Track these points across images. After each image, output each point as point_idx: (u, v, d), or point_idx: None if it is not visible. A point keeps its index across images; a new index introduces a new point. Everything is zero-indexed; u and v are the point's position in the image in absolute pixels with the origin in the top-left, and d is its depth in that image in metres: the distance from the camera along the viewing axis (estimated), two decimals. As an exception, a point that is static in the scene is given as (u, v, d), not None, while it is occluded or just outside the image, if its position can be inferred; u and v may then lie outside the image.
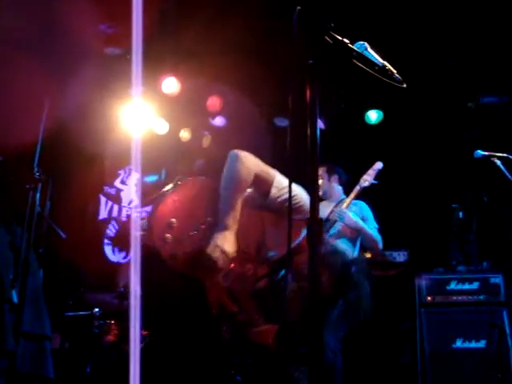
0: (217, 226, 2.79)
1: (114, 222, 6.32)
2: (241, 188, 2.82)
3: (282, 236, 2.72)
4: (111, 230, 6.45)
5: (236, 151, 2.86)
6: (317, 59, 1.84)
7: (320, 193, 4.53)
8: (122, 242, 5.56)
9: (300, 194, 2.81)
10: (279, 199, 2.81)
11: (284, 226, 2.62)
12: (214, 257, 2.73)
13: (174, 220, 2.81)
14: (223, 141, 6.12)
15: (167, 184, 3.05)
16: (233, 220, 2.78)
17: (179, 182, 2.99)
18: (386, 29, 4.82)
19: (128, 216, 6.29)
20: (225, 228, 2.77)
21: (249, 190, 2.91)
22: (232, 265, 2.85)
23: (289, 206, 2.20)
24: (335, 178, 4.58)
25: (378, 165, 4.40)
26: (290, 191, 2.09)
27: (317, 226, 1.66)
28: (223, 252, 2.75)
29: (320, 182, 4.52)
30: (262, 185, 2.86)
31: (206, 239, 2.77)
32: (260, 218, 2.92)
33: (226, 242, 2.76)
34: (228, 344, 2.96)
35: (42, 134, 3.38)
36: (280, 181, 2.84)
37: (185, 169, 6.38)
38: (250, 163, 2.82)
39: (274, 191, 2.83)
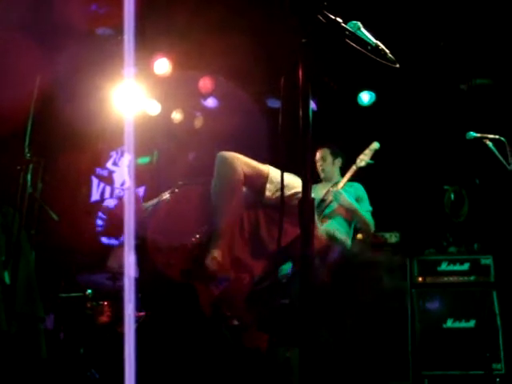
0: (211, 234, 2.72)
1: (100, 213, 6.29)
2: (233, 192, 2.74)
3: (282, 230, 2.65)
4: (101, 218, 6.43)
5: (223, 153, 2.79)
6: (309, 38, 1.82)
7: (322, 175, 4.57)
8: (111, 230, 5.55)
9: (299, 185, 2.74)
10: (277, 194, 2.73)
11: (285, 221, 2.60)
12: (210, 266, 2.67)
13: (169, 229, 2.77)
14: (215, 122, 6.10)
15: (164, 192, 2.98)
16: (227, 227, 2.71)
17: (176, 190, 2.92)
18: (380, 8, 4.79)
19: (117, 200, 6.26)
20: (219, 236, 2.70)
21: (242, 190, 2.82)
22: (227, 273, 2.79)
23: (281, 194, 2.16)
24: (339, 160, 4.62)
25: (375, 145, 4.40)
26: (282, 178, 2.06)
27: (308, 207, 1.66)
28: (218, 261, 2.68)
29: (322, 163, 4.57)
30: (255, 183, 2.79)
31: (202, 248, 2.71)
32: (255, 215, 2.84)
33: (221, 252, 2.68)
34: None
35: (32, 115, 3.35)
36: (275, 176, 2.75)
37: (176, 151, 6.37)
38: (239, 164, 2.74)
39: (269, 187, 2.75)
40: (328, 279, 2.99)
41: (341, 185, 4.25)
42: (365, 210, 4.31)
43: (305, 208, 1.68)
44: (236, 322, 2.89)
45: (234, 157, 2.77)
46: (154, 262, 2.73)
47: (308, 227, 1.66)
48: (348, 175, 4.32)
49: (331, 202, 4.17)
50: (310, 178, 1.78)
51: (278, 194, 2.65)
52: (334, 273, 3.05)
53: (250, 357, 2.96)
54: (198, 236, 2.74)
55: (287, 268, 3.17)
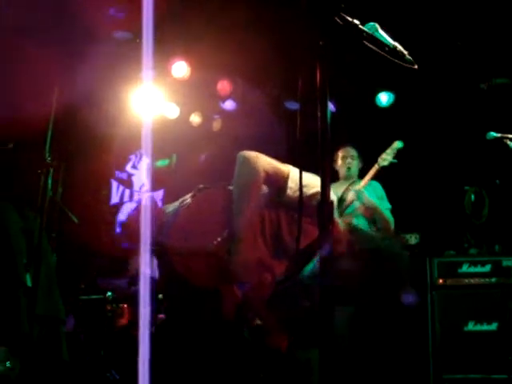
0: (232, 237, 2.70)
1: (120, 218, 6.32)
2: (254, 192, 2.73)
3: (302, 230, 2.55)
4: (120, 224, 6.47)
5: (243, 153, 2.78)
6: (327, 41, 1.82)
7: (346, 173, 4.60)
8: (130, 236, 5.58)
9: (319, 185, 2.70)
10: (298, 193, 2.70)
11: (304, 220, 2.59)
12: (231, 269, 2.66)
13: (190, 233, 2.75)
14: (234, 124, 6.11)
15: (186, 194, 2.98)
16: (248, 228, 2.70)
17: (197, 194, 2.90)
18: (398, 10, 4.77)
19: (136, 204, 6.30)
20: (240, 238, 2.68)
21: (263, 189, 2.82)
22: (249, 275, 2.78)
23: (299, 194, 2.15)
24: (361, 162, 4.71)
25: (398, 144, 4.38)
26: (300, 177, 2.05)
27: (327, 207, 1.66)
28: (239, 264, 2.66)
29: (351, 161, 4.60)
30: (275, 183, 2.77)
31: (223, 252, 2.69)
32: (276, 215, 2.83)
33: (242, 254, 2.66)
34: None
35: (52, 119, 3.38)
36: (296, 175, 2.72)
37: (195, 154, 6.39)
38: (260, 163, 2.73)
39: (290, 185, 2.74)
40: (356, 272, 2.97)
41: (362, 183, 4.24)
42: (385, 207, 4.31)
43: (323, 209, 1.67)
44: (258, 323, 2.89)
45: (255, 156, 2.76)
46: (175, 266, 2.72)
47: (327, 228, 1.66)
48: (370, 174, 4.30)
49: (352, 201, 4.15)
50: (329, 179, 1.77)
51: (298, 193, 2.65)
52: (362, 265, 3.03)
53: (270, 357, 2.96)
54: (219, 239, 2.73)
55: (309, 268, 3.16)
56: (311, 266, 3.05)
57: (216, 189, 2.92)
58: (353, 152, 4.68)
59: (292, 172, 2.76)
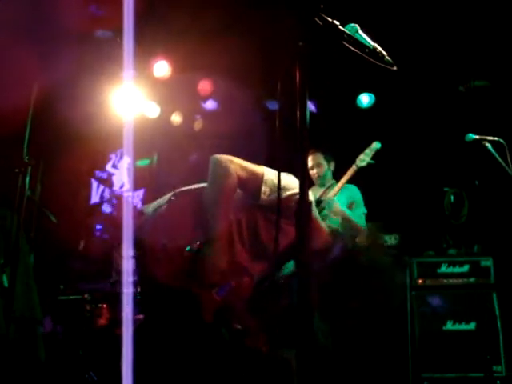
0: (207, 239, 2.67)
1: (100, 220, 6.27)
2: (226, 196, 2.70)
3: (281, 231, 2.52)
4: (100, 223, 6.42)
5: (216, 157, 2.74)
6: (306, 41, 1.82)
7: (317, 181, 4.57)
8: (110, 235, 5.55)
9: (296, 186, 2.69)
10: (272, 196, 2.68)
11: (283, 221, 2.58)
12: (208, 272, 2.64)
13: (167, 238, 2.71)
14: (214, 124, 6.10)
15: (160, 197, 2.94)
16: (221, 231, 2.67)
17: (172, 199, 2.86)
18: (378, 11, 4.79)
19: (114, 204, 6.25)
20: (214, 241, 2.65)
21: (237, 193, 2.78)
22: (227, 278, 2.76)
23: (277, 195, 2.16)
24: (332, 165, 4.65)
25: (376, 144, 4.39)
26: (279, 180, 2.05)
27: (306, 208, 1.66)
28: (216, 267, 2.65)
29: (317, 169, 4.57)
30: (249, 186, 2.74)
31: (200, 255, 2.66)
32: (253, 217, 2.80)
33: (218, 256, 2.64)
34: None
35: (30, 117, 3.35)
36: (270, 178, 2.71)
37: (176, 154, 6.36)
38: (232, 167, 2.69)
39: (264, 189, 2.70)
40: (329, 277, 2.97)
41: (339, 185, 4.24)
42: (359, 213, 4.30)
43: (302, 210, 1.67)
44: (238, 326, 2.88)
45: (227, 160, 2.72)
46: (154, 272, 2.69)
47: (305, 229, 1.66)
48: (347, 176, 4.31)
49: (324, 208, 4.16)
50: (308, 179, 1.78)
51: (274, 195, 2.62)
52: (337, 270, 3.03)
53: (250, 358, 2.95)
54: (197, 243, 2.71)
55: (290, 267, 3.15)
56: (290, 266, 3.05)
57: (191, 192, 2.89)
58: (318, 159, 4.59)
59: (266, 175, 2.73)
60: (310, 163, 4.63)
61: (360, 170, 4.30)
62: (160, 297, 2.74)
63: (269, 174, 2.74)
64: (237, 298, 2.82)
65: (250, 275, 2.85)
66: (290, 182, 2.68)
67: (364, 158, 4.31)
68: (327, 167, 4.60)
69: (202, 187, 2.82)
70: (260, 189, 2.71)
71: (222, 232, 2.67)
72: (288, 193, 2.64)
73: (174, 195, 2.87)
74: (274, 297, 3.12)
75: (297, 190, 1.91)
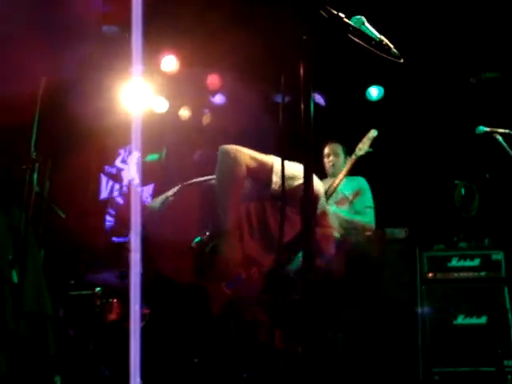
0: (218, 233, 2.64)
1: (110, 211, 6.30)
2: (236, 187, 2.66)
3: (289, 221, 2.57)
4: (110, 216, 6.45)
5: (225, 147, 2.71)
6: (311, 35, 1.80)
7: (331, 170, 4.56)
8: (119, 229, 5.56)
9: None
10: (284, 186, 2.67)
11: (291, 211, 2.57)
12: (224, 267, 2.61)
13: (174, 233, 2.69)
14: (223, 118, 6.09)
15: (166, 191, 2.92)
16: (233, 224, 2.63)
17: (179, 191, 2.84)
18: (386, 2, 4.75)
19: (123, 198, 6.27)
20: (227, 235, 2.61)
21: (246, 183, 2.75)
22: (237, 271, 2.72)
23: (282, 185, 2.14)
24: (347, 158, 4.62)
25: (373, 132, 4.39)
26: (282, 171, 2.03)
27: (310, 202, 1.65)
28: (232, 261, 2.62)
29: (334, 158, 4.56)
30: (259, 176, 2.71)
31: (209, 249, 2.63)
32: (262, 208, 2.77)
33: (229, 250, 2.61)
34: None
35: (38, 113, 3.35)
36: (280, 167, 2.58)
37: (185, 148, 6.36)
38: (241, 158, 2.66)
39: (275, 179, 2.67)
40: (342, 270, 2.94)
41: (341, 176, 4.23)
42: (364, 205, 4.29)
43: (306, 203, 1.66)
44: (250, 319, 2.86)
45: (236, 150, 2.69)
46: (160, 268, 2.68)
47: (310, 223, 1.65)
48: (348, 166, 4.30)
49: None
50: (312, 172, 1.76)
51: (286, 185, 2.55)
52: (348, 263, 3.01)
53: (263, 352, 2.94)
54: (207, 234, 2.68)
55: (297, 262, 3.14)
56: (298, 259, 3.03)
57: (196, 185, 2.87)
58: (337, 148, 4.62)
59: (276, 164, 2.70)
60: (326, 151, 4.64)
61: (365, 161, 4.29)
62: (167, 291, 2.73)
63: (278, 163, 2.68)
64: (247, 290, 2.80)
65: (260, 267, 2.83)
66: (300, 172, 2.65)
67: (362, 147, 4.31)
68: (343, 158, 4.60)
69: (210, 179, 2.80)
70: (271, 179, 2.68)
71: (233, 224, 2.64)
72: (297, 182, 2.60)
73: (181, 188, 2.86)
74: (284, 291, 3.11)
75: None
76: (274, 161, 2.73)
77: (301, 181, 2.59)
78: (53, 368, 3.74)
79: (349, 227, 4.10)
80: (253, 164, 2.69)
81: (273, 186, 2.68)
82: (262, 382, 2.93)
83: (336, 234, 2.92)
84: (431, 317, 4.79)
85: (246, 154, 2.70)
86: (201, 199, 2.77)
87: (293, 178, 2.58)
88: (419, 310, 4.79)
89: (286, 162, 2.52)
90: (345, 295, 3.75)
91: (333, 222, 2.96)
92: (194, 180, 2.91)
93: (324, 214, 2.88)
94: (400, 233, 5.08)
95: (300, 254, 3.03)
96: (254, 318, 2.89)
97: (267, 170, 2.70)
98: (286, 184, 2.54)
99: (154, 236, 2.69)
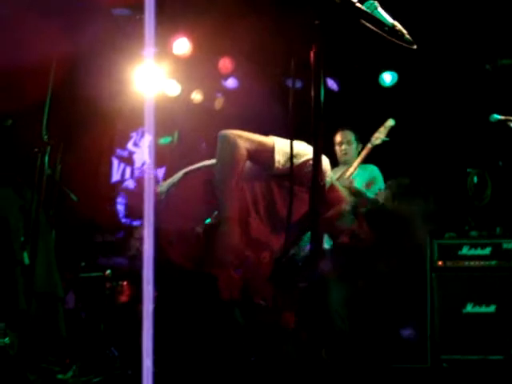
0: (219, 219, 2.62)
1: (121, 194, 6.31)
2: (236, 172, 2.64)
3: (297, 199, 2.54)
4: (122, 200, 6.47)
5: (223, 133, 2.68)
6: (323, 19, 1.78)
7: (343, 158, 4.54)
8: (132, 213, 5.57)
9: (310, 152, 2.58)
10: (287, 164, 2.60)
11: (299, 189, 2.56)
12: (222, 252, 2.60)
13: (178, 219, 2.69)
14: (235, 102, 6.07)
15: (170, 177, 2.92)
16: (233, 209, 2.61)
17: (183, 177, 2.82)
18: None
19: (137, 180, 6.28)
20: (226, 220, 2.60)
21: (248, 165, 2.72)
22: (246, 255, 2.71)
23: (290, 168, 2.13)
24: (360, 146, 4.61)
25: (390, 122, 4.36)
26: (291, 154, 2.02)
27: (319, 190, 1.65)
28: (230, 246, 2.60)
29: (346, 146, 4.54)
30: (261, 158, 2.68)
31: (213, 235, 2.61)
32: (268, 188, 2.75)
33: (231, 235, 2.59)
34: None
35: (50, 96, 3.35)
36: (282, 147, 2.65)
37: (197, 132, 6.36)
38: (240, 141, 2.63)
39: (278, 158, 2.64)
40: (369, 235, 2.87)
41: (355, 164, 4.22)
42: (375, 190, 4.28)
43: (315, 191, 1.66)
44: (262, 302, 2.86)
45: (235, 134, 2.66)
46: (167, 252, 2.68)
47: (317, 210, 1.65)
48: (363, 154, 4.28)
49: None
50: (321, 158, 1.76)
51: (289, 163, 2.55)
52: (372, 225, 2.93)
53: (276, 336, 2.93)
54: (215, 214, 2.68)
55: (305, 248, 3.13)
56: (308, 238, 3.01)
57: (200, 171, 2.86)
58: (349, 136, 4.58)
59: (277, 144, 2.67)
60: (338, 139, 4.61)
61: (376, 148, 4.27)
62: (174, 277, 2.73)
63: (279, 142, 2.68)
64: (257, 274, 2.80)
65: (269, 250, 2.82)
66: (304, 149, 2.64)
67: (378, 136, 4.28)
68: (356, 146, 4.57)
69: (213, 164, 2.79)
70: (273, 158, 2.65)
71: (232, 210, 2.62)
72: (302, 159, 2.60)
73: (185, 174, 2.86)
74: (292, 276, 3.10)
75: (310, 156, 1.88)
76: (274, 140, 2.70)
77: (305, 158, 2.62)
78: (65, 351, 3.79)
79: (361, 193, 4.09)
80: (253, 147, 2.67)
81: (276, 165, 2.65)
82: (271, 364, 2.94)
83: (348, 207, 2.87)
84: (440, 304, 4.78)
85: (245, 138, 2.67)
86: (205, 185, 2.76)
87: (297, 155, 2.58)
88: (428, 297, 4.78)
89: (288, 141, 2.53)
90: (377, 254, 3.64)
91: (344, 193, 2.92)
92: (197, 165, 2.89)
93: (333, 187, 2.85)
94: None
95: (308, 235, 3.02)
96: (265, 301, 2.87)
97: (269, 151, 2.67)
98: (295, 165, 2.54)
99: (161, 222, 2.69)
